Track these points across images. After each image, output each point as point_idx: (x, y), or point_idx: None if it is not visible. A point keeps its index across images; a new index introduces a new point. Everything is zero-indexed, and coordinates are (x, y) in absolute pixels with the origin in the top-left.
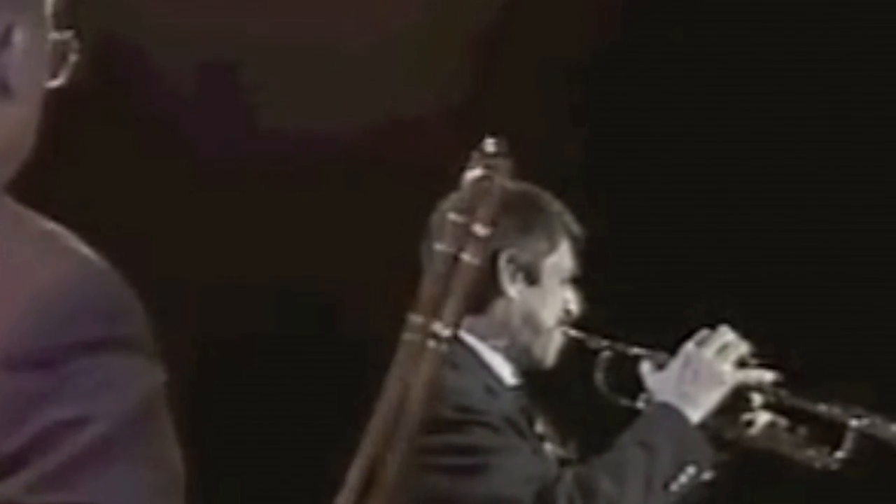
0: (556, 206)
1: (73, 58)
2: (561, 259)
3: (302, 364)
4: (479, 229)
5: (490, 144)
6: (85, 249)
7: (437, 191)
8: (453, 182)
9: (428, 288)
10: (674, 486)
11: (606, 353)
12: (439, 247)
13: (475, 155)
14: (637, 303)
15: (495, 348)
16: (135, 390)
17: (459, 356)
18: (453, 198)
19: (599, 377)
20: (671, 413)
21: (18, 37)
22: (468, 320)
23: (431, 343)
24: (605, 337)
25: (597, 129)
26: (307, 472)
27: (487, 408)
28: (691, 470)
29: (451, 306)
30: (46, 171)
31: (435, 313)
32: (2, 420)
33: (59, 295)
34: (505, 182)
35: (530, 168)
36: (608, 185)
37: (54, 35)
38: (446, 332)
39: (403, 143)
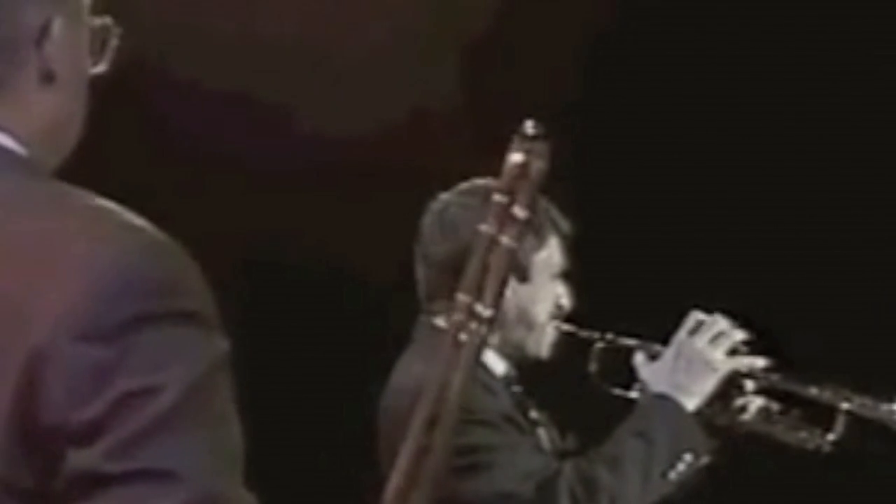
0: (543, 203)
1: (113, 43)
2: (550, 255)
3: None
4: (518, 212)
5: (530, 128)
6: (143, 223)
7: (432, 189)
8: (450, 182)
9: (471, 269)
10: (672, 475)
11: (599, 345)
12: (483, 227)
13: (516, 138)
14: (628, 294)
15: (489, 344)
16: (199, 360)
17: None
18: (452, 193)
19: (593, 368)
20: (666, 403)
21: (59, 28)
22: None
23: (473, 324)
24: (597, 329)
25: (589, 125)
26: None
27: (487, 406)
28: (688, 457)
29: (489, 288)
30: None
31: (478, 294)
32: (74, 390)
33: (122, 269)
34: (542, 165)
35: None
36: (597, 178)
37: (94, 22)
38: (487, 313)
39: (401, 145)
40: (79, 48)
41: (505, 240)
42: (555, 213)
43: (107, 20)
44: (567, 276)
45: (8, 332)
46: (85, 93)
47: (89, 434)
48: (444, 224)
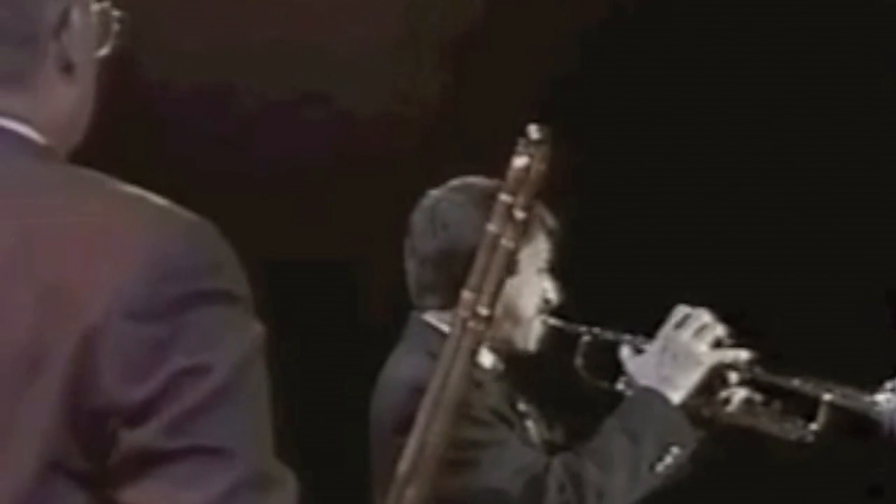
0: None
1: (115, 26)
2: (537, 250)
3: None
4: (518, 213)
5: (534, 132)
6: (177, 207)
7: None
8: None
9: (476, 267)
10: (659, 468)
11: (585, 339)
12: (490, 227)
13: (521, 141)
14: (614, 290)
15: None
16: (244, 340)
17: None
18: (443, 190)
19: (579, 362)
20: (653, 397)
21: (75, 17)
22: (450, 314)
23: (471, 323)
24: (583, 323)
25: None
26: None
27: (476, 402)
28: (675, 450)
29: (488, 287)
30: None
31: (480, 292)
32: (128, 369)
33: (170, 249)
34: (542, 168)
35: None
36: (580, 177)
37: (95, 6)
38: (485, 312)
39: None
40: (90, 39)
41: (504, 241)
42: (541, 208)
43: (106, 5)
44: (553, 270)
45: (63, 315)
46: (94, 80)
47: (144, 412)
48: (435, 220)
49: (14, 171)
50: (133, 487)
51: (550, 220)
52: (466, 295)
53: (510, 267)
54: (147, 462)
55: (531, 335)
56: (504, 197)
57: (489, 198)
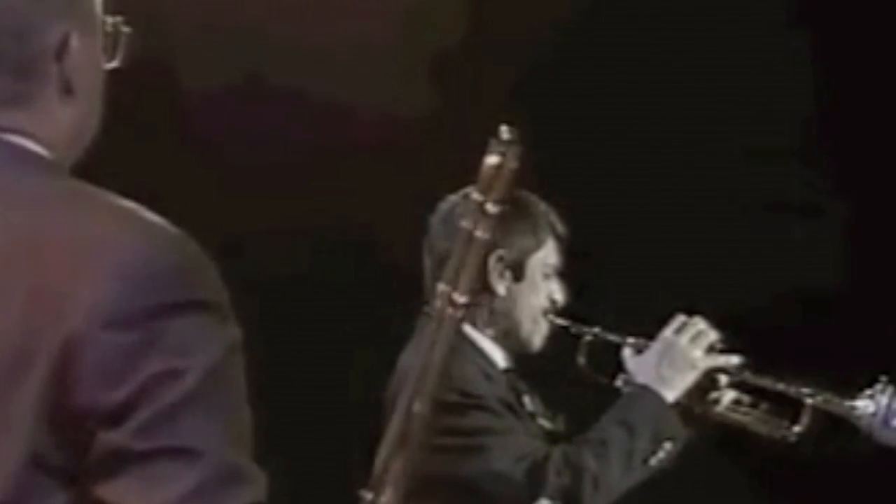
0: (542, 207)
1: (124, 39)
2: (546, 256)
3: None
4: (491, 208)
5: (505, 132)
6: (160, 219)
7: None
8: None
9: (451, 261)
10: (652, 461)
11: (588, 338)
12: (462, 223)
13: (492, 142)
14: (618, 294)
15: (488, 336)
16: (218, 346)
17: (458, 345)
18: (461, 195)
19: (582, 359)
20: (650, 394)
21: (76, 42)
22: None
23: (450, 310)
24: (586, 324)
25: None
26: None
27: (486, 392)
28: (668, 446)
29: (465, 277)
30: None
31: (455, 283)
32: (105, 374)
33: (147, 262)
34: (515, 166)
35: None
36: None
37: (106, 22)
38: (462, 300)
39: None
40: (94, 58)
41: (479, 233)
42: (553, 216)
43: (118, 19)
44: (562, 274)
45: (47, 318)
46: (100, 97)
47: (119, 414)
48: (449, 224)
49: (16, 182)
50: (108, 485)
51: (560, 227)
52: (442, 287)
53: (517, 274)
54: (121, 462)
55: (537, 334)
56: (475, 195)
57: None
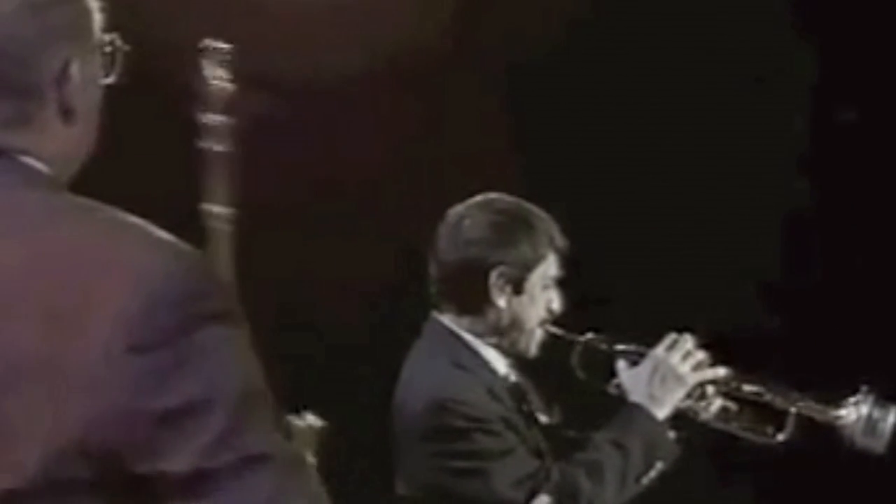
0: (543, 220)
1: (121, 56)
2: (546, 269)
3: None
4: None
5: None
6: (169, 236)
7: None
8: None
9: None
10: (644, 480)
11: (580, 346)
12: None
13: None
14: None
15: (490, 344)
16: (240, 351)
17: (464, 357)
18: (466, 206)
19: (576, 364)
20: (642, 414)
21: (76, 67)
22: (467, 321)
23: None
24: (580, 332)
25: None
26: None
27: (489, 413)
28: (660, 465)
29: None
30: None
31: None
32: (136, 397)
33: (166, 279)
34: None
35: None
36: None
37: (103, 38)
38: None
39: None
40: (92, 81)
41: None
42: (554, 229)
43: (115, 36)
44: (560, 283)
45: (67, 336)
46: (97, 116)
47: (168, 441)
48: (458, 236)
49: (23, 200)
50: None
51: (560, 239)
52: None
53: (517, 288)
54: (197, 483)
55: (533, 341)
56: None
57: (508, 214)
